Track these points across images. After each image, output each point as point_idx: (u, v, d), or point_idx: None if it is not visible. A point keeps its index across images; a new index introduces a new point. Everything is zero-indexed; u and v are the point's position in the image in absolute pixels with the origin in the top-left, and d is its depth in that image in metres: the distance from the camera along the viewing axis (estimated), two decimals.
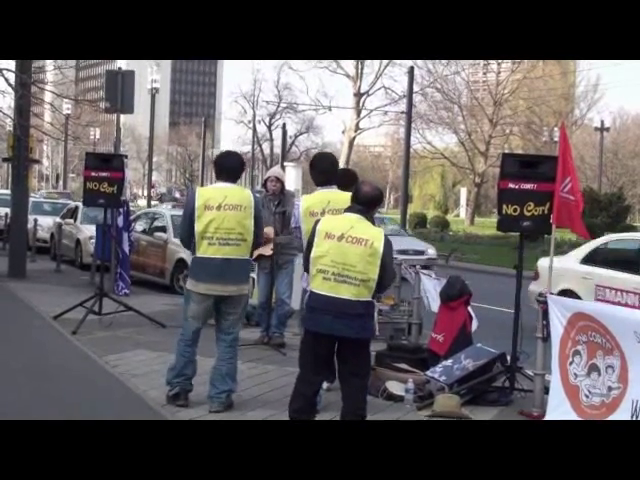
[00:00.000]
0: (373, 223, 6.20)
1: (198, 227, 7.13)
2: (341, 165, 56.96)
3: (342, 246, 5.93)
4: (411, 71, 39.79)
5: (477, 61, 72.46)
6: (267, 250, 10.11)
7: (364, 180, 6.63)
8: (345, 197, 7.26)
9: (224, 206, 7.11)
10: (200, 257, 7.21)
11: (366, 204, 6.16)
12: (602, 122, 60.41)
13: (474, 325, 9.70)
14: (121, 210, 14.37)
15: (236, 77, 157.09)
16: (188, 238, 7.29)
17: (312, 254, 6.02)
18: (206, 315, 7.35)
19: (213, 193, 7.28)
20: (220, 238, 7.11)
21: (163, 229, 16.43)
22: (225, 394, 7.26)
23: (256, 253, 10.26)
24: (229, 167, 7.39)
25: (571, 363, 7.04)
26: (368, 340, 6.21)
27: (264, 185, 10.68)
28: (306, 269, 6.28)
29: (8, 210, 19.50)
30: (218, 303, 7.27)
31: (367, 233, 5.99)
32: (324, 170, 7.51)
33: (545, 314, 7.33)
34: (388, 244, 6.04)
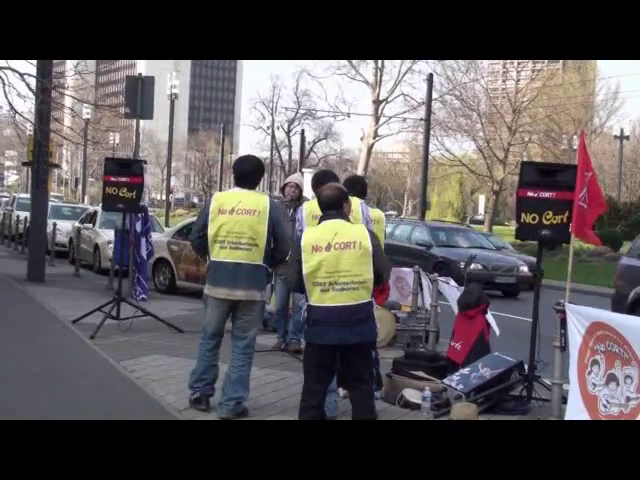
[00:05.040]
0: (348, 220, 6.23)
1: (211, 230, 7.16)
2: (359, 172, 56.60)
3: (332, 255, 5.93)
4: (430, 78, 39.78)
5: (496, 69, 72.40)
6: None
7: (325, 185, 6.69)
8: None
9: (237, 210, 7.12)
10: (213, 261, 7.24)
11: (335, 206, 6.19)
12: (622, 130, 60.33)
13: (496, 331, 9.71)
14: (139, 215, 14.40)
15: (255, 83, 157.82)
16: (196, 240, 7.46)
17: (304, 270, 6.00)
18: (221, 319, 7.32)
19: (228, 198, 7.29)
20: (231, 242, 7.11)
21: None
22: (234, 401, 7.16)
23: None
24: (243, 172, 7.38)
25: (589, 373, 7.00)
26: (372, 343, 6.23)
27: (282, 190, 10.69)
28: (295, 289, 6.30)
29: (28, 214, 19.61)
30: (231, 308, 7.26)
31: (353, 235, 6.01)
32: (323, 179, 7.76)
33: (563, 323, 7.30)
34: (374, 238, 6.09)
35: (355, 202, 7.49)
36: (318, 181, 7.90)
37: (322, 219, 6.22)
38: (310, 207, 7.76)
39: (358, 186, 8.30)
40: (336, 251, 5.94)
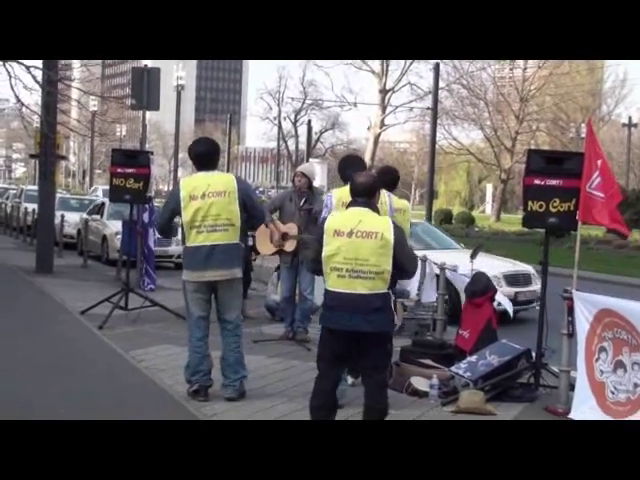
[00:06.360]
0: (377, 212, 6.22)
1: (185, 217, 7.29)
2: (366, 162, 56.55)
3: (353, 242, 5.94)
4: (437, 67, 39.67)
5: None
6: (289, 246, 10.13)
7: (357, 172, 6.67)
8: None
9: (208, 194, 7.24)
10: (190, 246, 7.37)
11: (367, 194, 6.19)
12: (630, 118, 60.20)
13: (510, 310, 9.72)
14: (147, 206, 14.43)
15: (261, 74, 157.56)
16: (165, 226, 7.69)
17: (324, 253, 6.02)
18: (204, 303, 7.43)
19: (197, 182, 7.39)
20: (208, 225, 7.25)
21: None
22: (238, 381, 7.45)
23: (276, 248, 10.31)
24: (198, 154, 7.49)
25: (597, 359, 7.01)
26: (387, 333, 6.21)
27: (293, 180, 10.70)
28: (314, 270, 6.32)
29: (36, 206, 19.65)
30: (213, 290, 7.39)
31: (376, 225, 6.00)
32: (353, 164, 7.68)
33: (570, 310, 7.31)
34: (398, 231, 6.06)
35: (382, 193, 7.43)
36: (345, 166, 7.88)
37: (350, 205, 6.22)
38: (339, 194, 7.70)
39: (387, 176, 8.19)
40: (357, 239, 5.93)
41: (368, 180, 6.28)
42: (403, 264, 6.02)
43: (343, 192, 7.60)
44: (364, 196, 6.16)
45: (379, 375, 6.17)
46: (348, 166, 7.79)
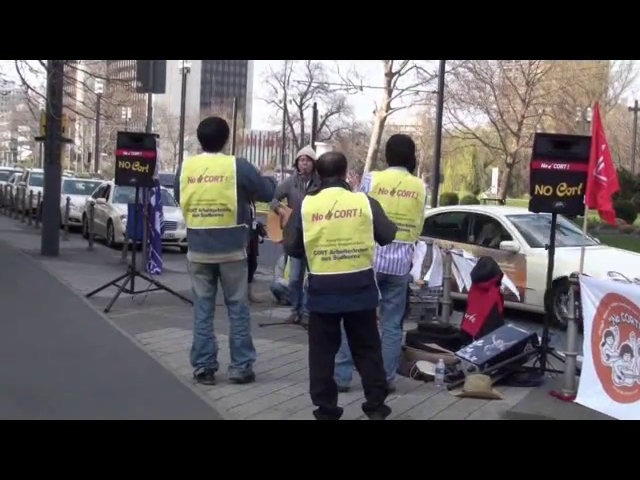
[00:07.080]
0: (349, 189, 6.23)
1: (182, 200, 7.31)
2: (372, 146, 56.21)
3: (333, 223, 5.96)
4: None
5: None
6: None
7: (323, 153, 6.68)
8: (416, 182, 7.29)
9: (204, 177, 7.22)
10: (189, 229, 7.43)
11: (336, 172, 6.20)
12: (636, 102, 59.97)
13: (516, 294, 9.72)
14: (153, 189, 14.42)
15: None
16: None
17: (305, 239, 6.02)
18: (207, 284, 7.44)
19: (196, 165, 7.39)
20: (203, 209, 7.24)
21: (506, 236, 12.42)
22: (245, 364, 7.44)
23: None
24: (205, 136, 7.46)
25: (603, 344, 7.00)
26: (374, 311, 6.23)
27: (295, 165, 10.69)
28: (293, 254, 6.36)
29: (41, 189, 19.64)
30: (216, 272, 7.41)
31: (353, 202, 6.04)
32: (403, 152, 7.40)
33: (577, 295, 7.29)
34: (374, 204, 6.11)
35: (418, 182, 7.35)
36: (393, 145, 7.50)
37: (322, 187, 6.23)
38: (378, 179, 7.27)
39: (412, 161, 7.77)
40: (336, 219, 5.96)
41: (335, 158, 6.31)
42: (382, 235, 6.12)
43: (383, 177, 7.33)
44: (334, 175, 6.18)
45: (374, 353, 6.19)
46: (396, 146, 7.48)
